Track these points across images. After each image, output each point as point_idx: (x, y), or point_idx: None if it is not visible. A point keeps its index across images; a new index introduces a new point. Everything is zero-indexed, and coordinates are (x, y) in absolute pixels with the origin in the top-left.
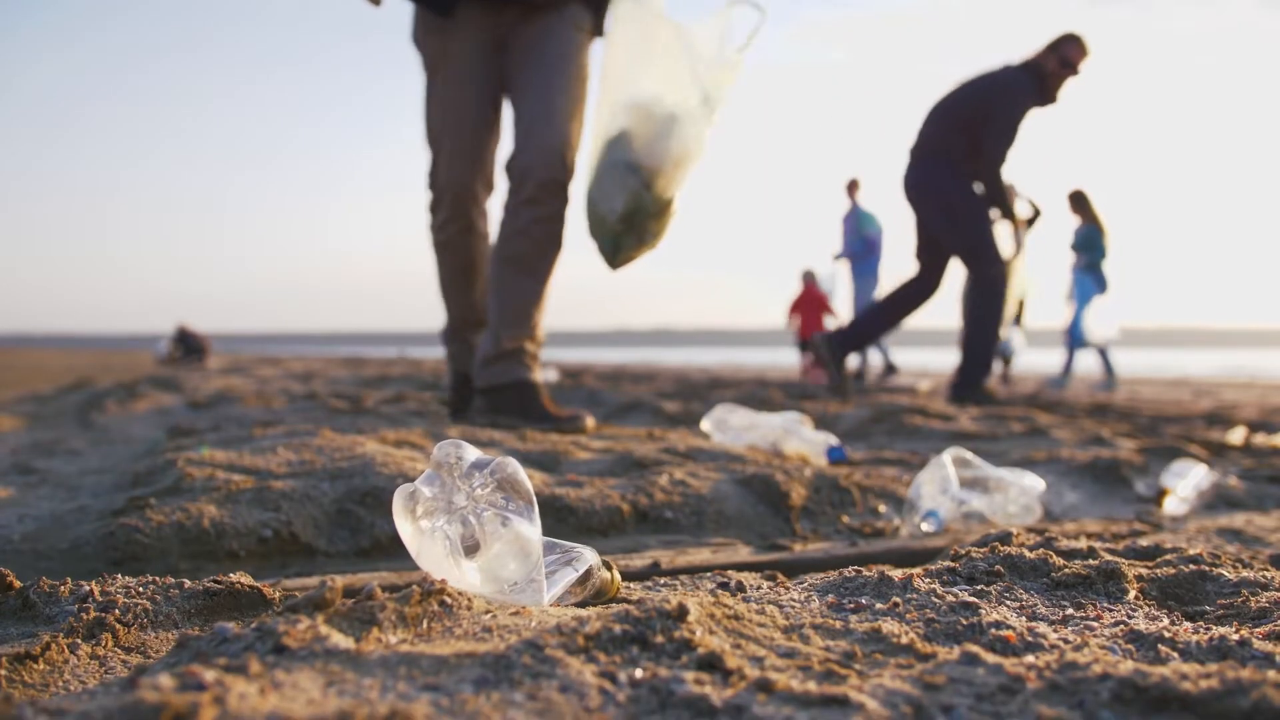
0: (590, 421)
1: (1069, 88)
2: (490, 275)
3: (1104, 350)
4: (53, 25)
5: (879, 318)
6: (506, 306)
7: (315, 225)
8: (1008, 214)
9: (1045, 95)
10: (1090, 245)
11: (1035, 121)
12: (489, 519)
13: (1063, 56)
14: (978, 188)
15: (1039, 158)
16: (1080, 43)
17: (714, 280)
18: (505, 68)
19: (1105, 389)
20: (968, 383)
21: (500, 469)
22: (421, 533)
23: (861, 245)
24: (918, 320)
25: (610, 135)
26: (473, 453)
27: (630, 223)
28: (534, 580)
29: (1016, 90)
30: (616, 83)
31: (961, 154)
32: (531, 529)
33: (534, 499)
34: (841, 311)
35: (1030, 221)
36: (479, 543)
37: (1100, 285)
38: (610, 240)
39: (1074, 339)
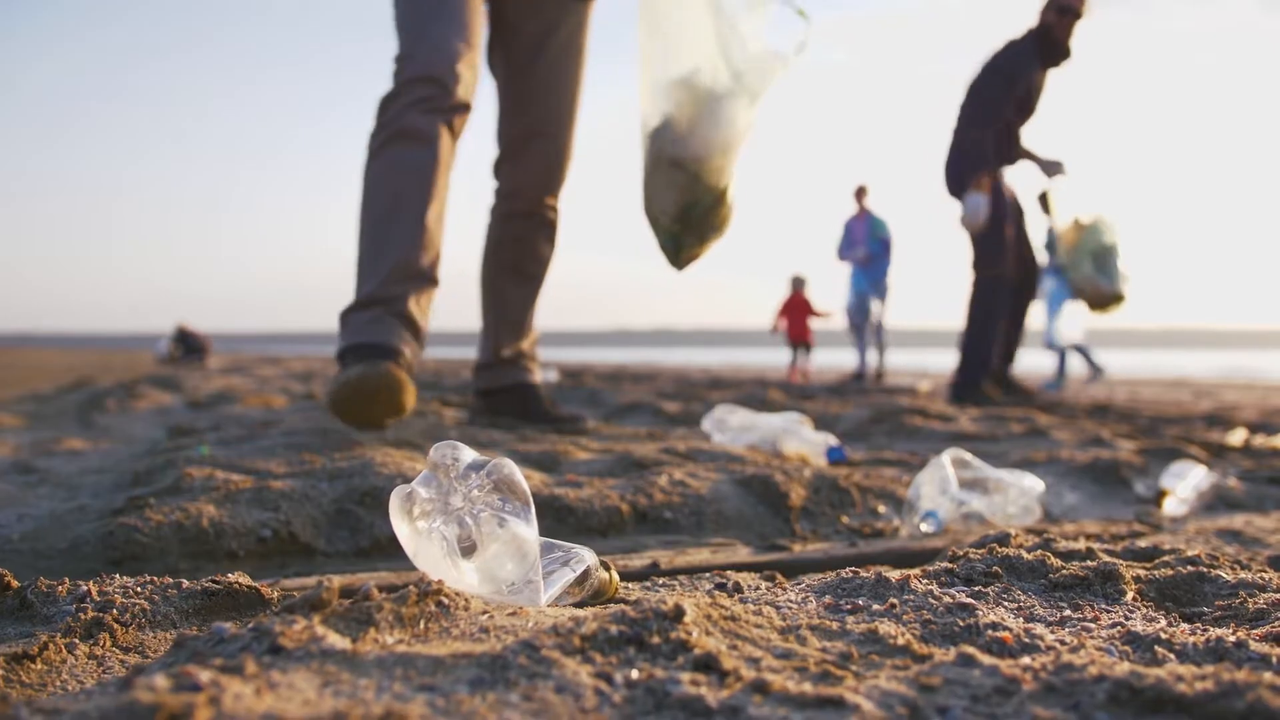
0: (590, 423)
1: (1078, 35)
2: (484, 280)
3: (1080, 348)
4: (53, 25)
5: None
6: (504, 316)
7: (315, 225)
8: (978, 185)
9: (1051, 52)
10: (1052, 248)
11: (1035, 121)
12: (486, 520)
13: (1059, 5)
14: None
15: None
16: None
17: (714, 280)
18: (498, 14)
19: (1094, 382)
20: (966, 383)
21: (497, 470)
22: (418, 533)
23: (880, 247)
24: (918, 321)
25: (651, 126)
26: (469, 454)
27: (687, 221)
28: (531, 581)
29: (999, 63)
30: (652, 63)
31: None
32: (528, 530)
33: (531, 500)
34: (835, 314)
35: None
36: (476, 544)
37: (1065, 287)
38: (670, 240)
39: (1049, 342)
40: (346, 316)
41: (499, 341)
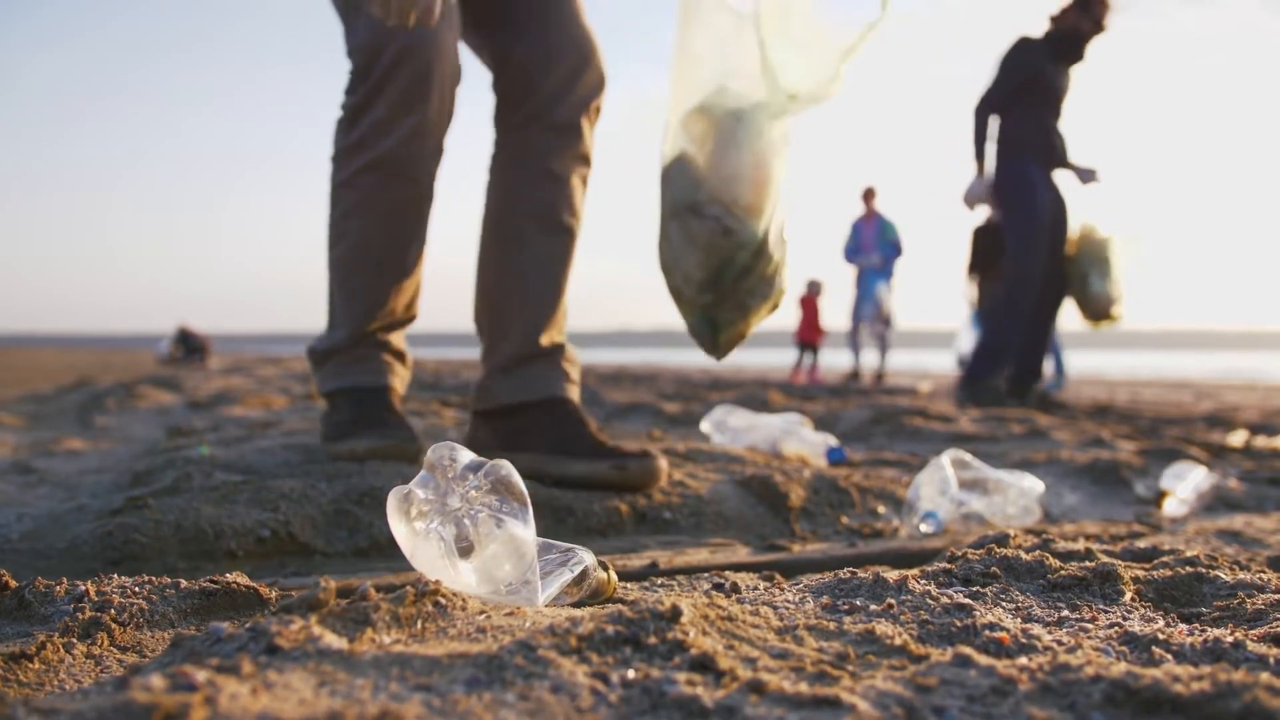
0: (664, 462)
1: (1095, 40)
2: (502, 242)
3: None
4: (53, 25)
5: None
6: (535, 287)
7: (316, 225)
8: (978, 163)
9: (1067, 51)
10: None
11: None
12: (483, 520)
13: (1081, 5)
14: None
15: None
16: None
17: None
18: None
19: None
20: (973, 379)
21: (494, 471)
22: (416, 534)
23: (892, 250)
24: (917, 321)
25: (665, 165)
26: (466, 455)
27: (719, 287)
28: (529, 581)
29: (1006, 52)
30: (676, 96)
31: (1004, 140)
32: (525, 530)
33: (528, 500)
34: (841, 317)
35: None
36: (473, 544)
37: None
38: (702, 318)
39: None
40: (327, 356)
41: (535, 324)
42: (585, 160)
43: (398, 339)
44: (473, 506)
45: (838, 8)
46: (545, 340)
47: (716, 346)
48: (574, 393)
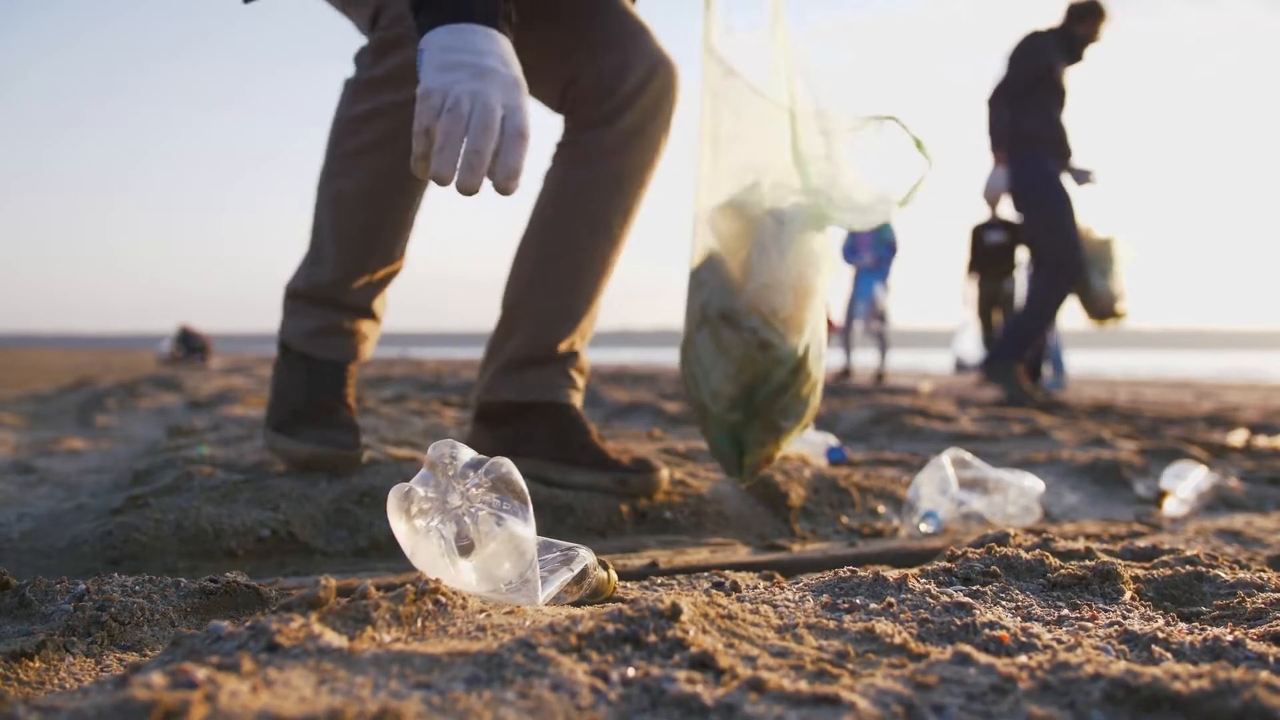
0: (665, 473)
1: (1095, 42)
2: (548, 239)
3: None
4: (53, 25)
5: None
6: (570, 289)
7: None
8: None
9: (1069, 50)
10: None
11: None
12: (484, 519)
13: (1079, 11)
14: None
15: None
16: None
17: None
18: None
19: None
20: (999, 359)
21: (494, 469)
22: (416, 532)
23: (888, 250)
24: (919, 321)
25: (694, 265)
26: (467, 453)
27: (750, 405)
28: (529, 580)
29: (1021, 47)
30: (702, 183)
31: (1017, 134)
32: (526, 528)
33: (528, 499)
34: (836, 316)
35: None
36: (474, 542)
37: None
38: (728, 437)
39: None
40: (303, 299)
41: (552, 329)
42: (652, 169)
43: (379, 300)
44: (473, 505)
45: (867, 101)
46: (564, 345)
47: (741, 469)
48: (578, 400)
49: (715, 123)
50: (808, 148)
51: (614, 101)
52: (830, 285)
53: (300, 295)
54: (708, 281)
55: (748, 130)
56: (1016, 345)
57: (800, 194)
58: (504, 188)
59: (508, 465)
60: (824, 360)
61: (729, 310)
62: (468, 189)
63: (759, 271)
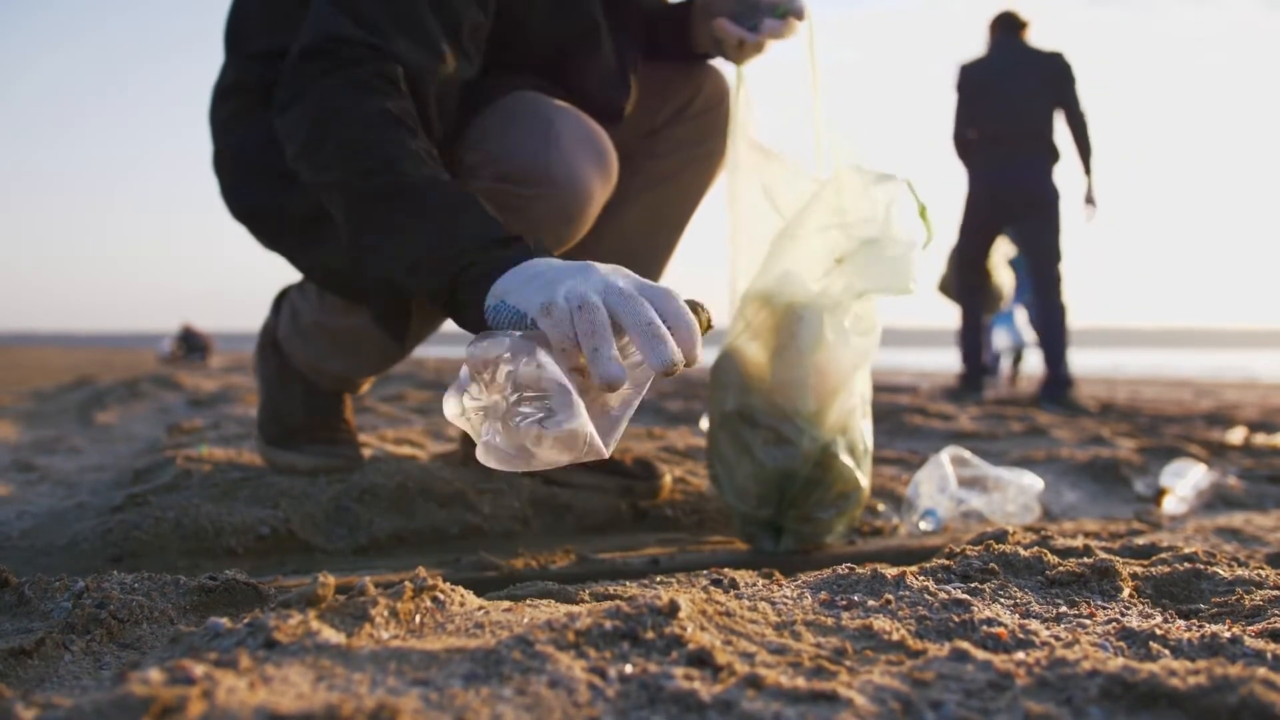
0: (669, 478)
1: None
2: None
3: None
4: (53, 25)
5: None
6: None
7: None
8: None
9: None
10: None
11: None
12: (527, 431)
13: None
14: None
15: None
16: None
17: (717, 279)
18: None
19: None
20: (1059, 382)
21: (518, 379)
22: (481, 438)
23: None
24: (919, 321)
25: (714, 363)
26: (495, 349)
27: (779, 502)
28: (592, 447)
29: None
30: (734, 260)
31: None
32: (571, 421)
33: (562, 384)
34: None
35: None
36: (530, 450)
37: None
38: (767, 532)
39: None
40: (302, 328)
41: None
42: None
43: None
44: (515, 415)
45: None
46: None
47: (778, 542)
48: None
49: (745, 203)
50: (840, 216)
51: (668, 110)
52: (867, 368)
53: (304, 327)
54: (727, 378)
55: (779, 211)
56: (1060, 365)
57: (828, 279)
58: (692, 357)
59: (528, 368)
60: (864, 453)
61: (746, 409)
62: (669, 366)
63: (780, 367)
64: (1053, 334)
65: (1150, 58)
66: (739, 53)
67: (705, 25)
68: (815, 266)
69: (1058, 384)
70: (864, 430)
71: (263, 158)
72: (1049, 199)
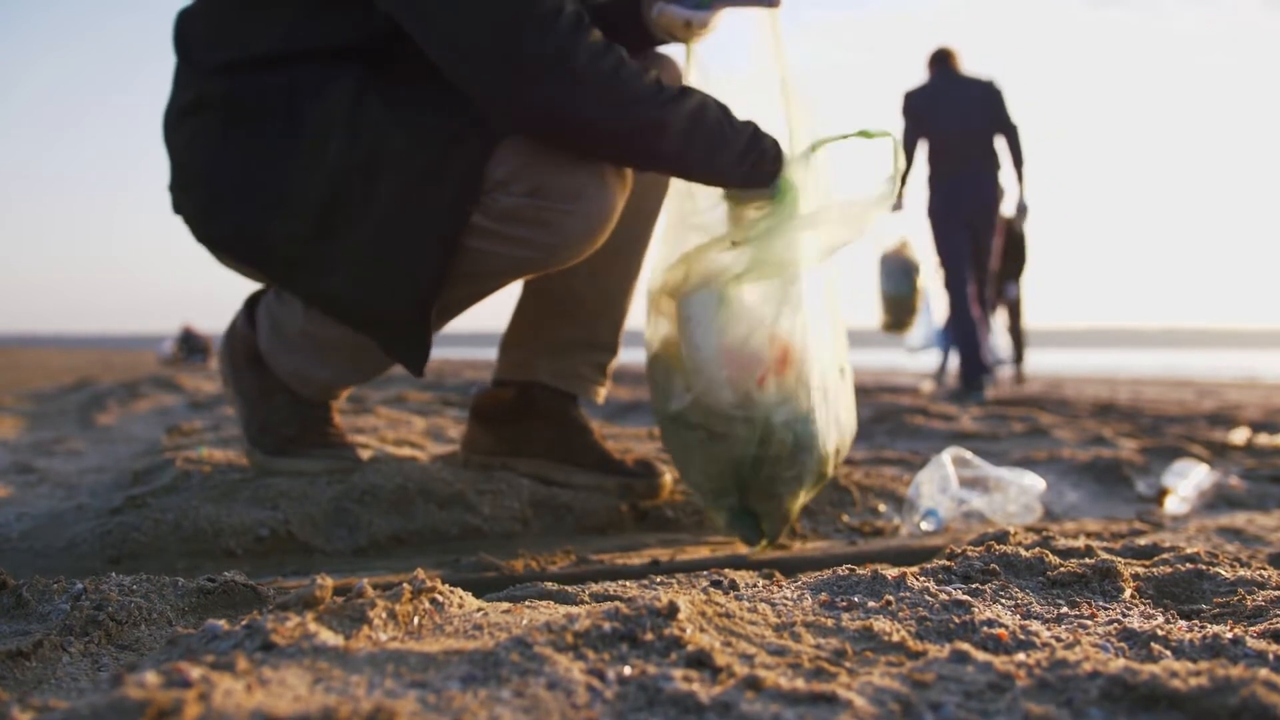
0: (669, 478)
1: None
2: (614, 246)
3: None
4: (53, 25)
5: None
6: (627, 291)
7: None
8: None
9: None
10: None
11: (1034, 121)
12: None
13: None
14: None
15: (1039, 159)
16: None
17: None
18: None
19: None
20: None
21: None
22: None
23: None
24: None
25: (647, 363)
26: None
27: (739, 488)
28: None
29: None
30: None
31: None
32: None
33: None
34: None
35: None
36: None
37: None
38: (742, 520)
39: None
40: (285, 336)
41: (609, 324)
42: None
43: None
44: None
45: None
46: (617, 340)
47: (764, 534)
48: (597, 394)
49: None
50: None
51: None
52: (801, 326)
53: (289, 337)
54: (658, 380)
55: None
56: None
57: (725, 256)
58: None
59: None
60: (808, 412)
61: (679, 412)
62: None
63: (692, 362)
64: (963, 329)
65: (1151, 58)
66: (687, 33)
67: (650, 12)
68: (711, 246)
69: (973, 375)
70: (823, 384)
71: (243, 181)
72: (994, 200)
